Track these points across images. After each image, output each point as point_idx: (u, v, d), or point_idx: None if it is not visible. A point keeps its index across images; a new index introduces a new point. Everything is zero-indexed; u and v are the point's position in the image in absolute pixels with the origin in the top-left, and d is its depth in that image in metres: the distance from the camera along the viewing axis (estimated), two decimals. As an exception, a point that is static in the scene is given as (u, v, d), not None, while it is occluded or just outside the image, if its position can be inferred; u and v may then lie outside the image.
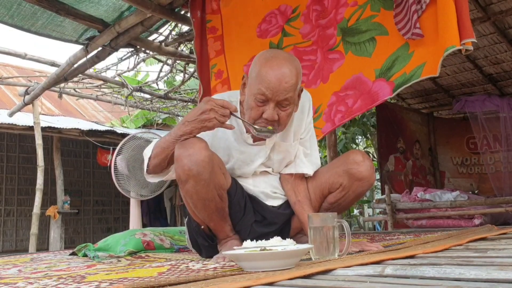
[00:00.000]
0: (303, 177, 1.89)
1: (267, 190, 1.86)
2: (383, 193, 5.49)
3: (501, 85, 5.93)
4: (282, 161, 1.87)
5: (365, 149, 9.19)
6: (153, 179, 1.83)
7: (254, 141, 1.81)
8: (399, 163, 5.99)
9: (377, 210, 6.91)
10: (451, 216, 4.65)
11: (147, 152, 1.76)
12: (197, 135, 1.66)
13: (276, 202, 1.88)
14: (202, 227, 1.76)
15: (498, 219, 4.57)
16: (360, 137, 7.87)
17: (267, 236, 1.59)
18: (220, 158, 1.76)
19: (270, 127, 1.68)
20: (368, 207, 10.85)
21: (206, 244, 1.80)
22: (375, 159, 6.99)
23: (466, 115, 6.24)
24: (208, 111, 1.59)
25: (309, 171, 1.88)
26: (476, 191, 6.15)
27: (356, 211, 10.59)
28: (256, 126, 1.67)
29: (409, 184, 5.91)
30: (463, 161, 6.54)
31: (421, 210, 4.79)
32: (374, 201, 5.94)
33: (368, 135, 7.53)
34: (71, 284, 1.22)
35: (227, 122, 1.64)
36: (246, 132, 1.80)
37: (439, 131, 6.68)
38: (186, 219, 1.90)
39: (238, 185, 1.82)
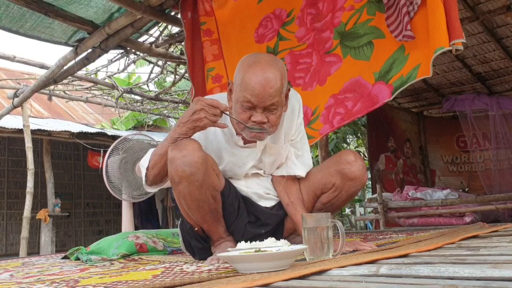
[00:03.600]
0: (295, 178, 1.89)
1: (260, 191, 1.86)
2: (374, 192, 5.52)
3: (489, 83, 5.98)
4: (273, 163, 1.87)
5: (356, 149, 9.23)
6: (153, 189, 1.82)
7: (244, 143, 1.80)
8: (389, 162, 6.02)
9: (369, 209, 6.94)
10: (442, 214, 4.69)
11: (144, 163, 1.74)
12: (191, 137, 1.66)
13: (269, 203, 1.87)
14: (196, 229, 1.76)
15: (488, 217, 4.61)
16: (351, 136, 7.90)
17: (260, 237, 1.59)
18: (214, 159, 1.76)
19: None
20: (359, 206, 10.89)
21: (199, 246, 1.79)
22: (365, 159, 7.02)
23: (455, 114, 6.28)
24: (198, 111, 1.59)
25: (301, 173, 1.88)
26: (466, 189, 6.20)
27: (347, 210, 10.62)
28: (248, 125, 1.66)
29: (400, 183, 5.94)
30: (453, 159, 6.59)
31: (412, 209, 4.82)
32: (366, 200, 5.97)
33: (359, 134, 7.57)
34: (64, 289, 1.21)
35: (219, 121, 1.64)
36: (237, 134, 1.80)
37: (429, 130, 6.72)
38: (179, 221, 1.90)
39: (232, 186, 1.82)
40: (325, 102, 2.74)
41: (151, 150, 1.78)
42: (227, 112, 1.65)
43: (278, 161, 1.87)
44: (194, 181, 1.59)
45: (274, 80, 1.61)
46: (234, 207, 1.79)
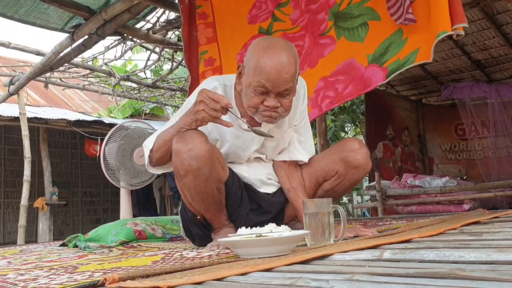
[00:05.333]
0: (297, 164, 1.88)
1: (262, 177, 1.85)
2: (371, 180, 5.52)
3: (489, 71, 5.96)
4: (276, 148, 1.86)
5: (354, 137, 9.21)
6: (157, 171, 1.81)
7: (248, 127, 1.79)
8: (388, 150, 6.01)
9: (366, 197, 6.95)
10: (440, 202, 4.69)
11: (148, 144, 1.73)
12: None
13: (270, 189, 1.86)
14: (198, 217, 1.75)
15: (487, 204, 4.61)
16: (349, 124, 7.88)
17: (262, 224, 1.58)
18: (219, 150, 1.74)
19: (266, 132, 1.69)
20: (357, 195, 10.90)
21: (200, 233, 1.79)
22: (364, 147, 6.99)
23: (454, 102, 6.27)
24: (198, 102, 1.55)
25: (304, 158, 1.87)
26: (464, 177, 6.21)
27: (345, 199, 10.63)
28: (253, 128, 1.64)
29: (398, 171, 5.94)
30: (452, 147, 6.59)
31: (411, 196, 4.82)
32: (364, 188, 5.97)
33: (357, 122, 7.54)
34: (63, 275, 1.20)
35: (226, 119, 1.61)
36: (242, 117, 1.78)
37: (427, 117, 6.71)
38: (180, 207, 1.88)
39: (235, 175, 1.80)
40: (315, 85, 2.70)
41: (157, 132, 1.76)
42: (233, 110, 1.60)
43: (280, 146, 1.86)
44: (200, 175, 1.57)
45: (289, 65, 1.59)
46: (237, 196, 1.78)
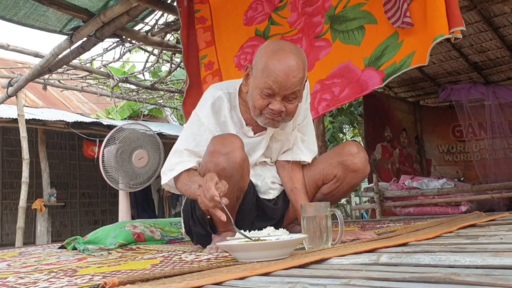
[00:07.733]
0: (300, 164, 1.89)
1: (268, 181, 1.86)
2: (370, 181, 5.53)
3: (486, 73, 5.97)
4: (281, 150, 1.88)
5: (352, 138, 9.23)
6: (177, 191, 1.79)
7: (254, 134, 1.80)
8: (386, 151, 6.03)
9: (364, 199, 6.96)
10: (438, 204, 4.71)
11: (168, 174, 1.71)
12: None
13: (272, 194, 1.87)
14: (208, 217, 1.74)
15: (484, 206, 4.63)
16: (347, 126, 7.90)
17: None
18: (248, 160, 1.72)
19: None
20: (355, 196, 10.92)
21: (202, 232, 1.79)
22: (362, 148, 6.99)
23: (452, 104, 6.29)
24: (198, 187, 1.49)
25: (307, 158, 1.88)
26: (461, 179, 6.23)
27: (343, 200, 10.64)
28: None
29: (396, 173, 5.95)
30: (449, 149, 6.61)
31: (408, 198, 4.83)
32: (362, 189, 5.98)
33: (355, 124, 7.56)
34: (63, 278, 1.21)
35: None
36: (246, 125, 1.79)
37: (425, 119, 6.73)
38: (183, 205, 1.88)
39: (252, 184, 1.81)
40: (312, 88, 2.71)
41: (175, 170, 1.69)
42: (221, 201, 1.41)
43: (284, 146, 1.87)
44: (231, 181, 1.56)
45: (298, 69, 1.60)
46: (249, 204, 1.79)
